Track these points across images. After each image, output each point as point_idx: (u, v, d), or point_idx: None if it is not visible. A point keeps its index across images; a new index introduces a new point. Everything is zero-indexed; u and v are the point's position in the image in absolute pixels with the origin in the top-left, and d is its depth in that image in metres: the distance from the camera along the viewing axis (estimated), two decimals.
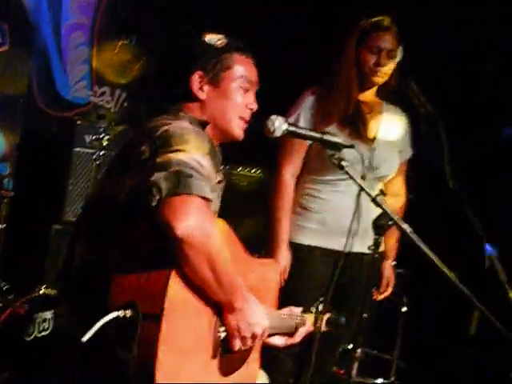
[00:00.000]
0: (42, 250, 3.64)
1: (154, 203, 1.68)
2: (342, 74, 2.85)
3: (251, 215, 3.88)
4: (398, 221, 2.08)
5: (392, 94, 2.91)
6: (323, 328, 2.25)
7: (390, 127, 2.95)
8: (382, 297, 3.08)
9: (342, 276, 2.88)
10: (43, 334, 2.84)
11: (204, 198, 1.71)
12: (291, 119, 2.84)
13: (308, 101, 2.88)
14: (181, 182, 1.70)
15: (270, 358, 2.30)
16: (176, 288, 1.70)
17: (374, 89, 2.93)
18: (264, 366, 2.12)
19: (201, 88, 1.96)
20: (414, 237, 2.08)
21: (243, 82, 2.00)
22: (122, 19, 4.37)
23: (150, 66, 4.31)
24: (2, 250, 3.38)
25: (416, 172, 3.01)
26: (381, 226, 2.11)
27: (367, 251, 2.82)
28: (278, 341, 2.17)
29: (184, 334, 1.72)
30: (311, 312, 2.23)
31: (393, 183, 3.00)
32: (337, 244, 2.83)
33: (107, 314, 1.68)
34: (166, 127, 1.82)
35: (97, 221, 1.85)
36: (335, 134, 2.12)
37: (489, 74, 3.74)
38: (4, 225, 3.36)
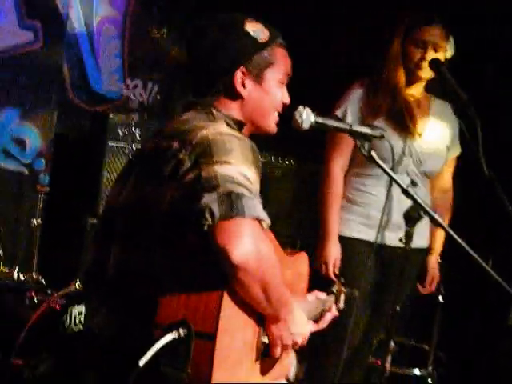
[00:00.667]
0: (78, 244, 3.68)
1: (205, 228, 1.63)
2: (388, 68, 2.84)
3: (286, 206, 3.87)
4: (431, 211, 2.06)
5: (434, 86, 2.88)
6: (341, 306, 2.24)
7: (438, 122, 2.92)
8: (426, 292, 3.06)
9: (383, 268, 2.90)
10: (79, 327, 2.87)
11: (257, 219, 1.67)
12: (338, 112, 2.88)
13: (356, 94, 2.88)
14: (234, 204, 1.63)
15: None
16: (229, 308, 1.69)
17: (423, 83, 2.91)
18: None
19: (243, 84, 1.87)
20: (449, 229, 2.06)
21: (284, 77, 1.94)
22: (154, 12, 4.39)
23: (183, 58, 4.30)
24: (39, 244, 3.44)
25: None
26: (412, 217, 2.10)
27: (415, 246, 2.83)
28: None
29: (234, 348, 1.73)
30: (333, 293, 2.20)
31: (441, 179, 2.99)
32: (382, 238, 2.86)
33: (154, 325, 1.66)
34: (203, 132, 1.74)
35: (134, 223, 1.80)
36: (383, 129, 2.11)
37: (489, 75, 3.67)
38: (40, 220, 3.42)
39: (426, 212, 2.06)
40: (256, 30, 1.90)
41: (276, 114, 1.95)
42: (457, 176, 3.03)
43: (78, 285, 3.05)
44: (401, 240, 2.11)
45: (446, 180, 3.04)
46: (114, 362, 1.75)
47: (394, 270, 2.78)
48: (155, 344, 1.63)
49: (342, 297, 2.24)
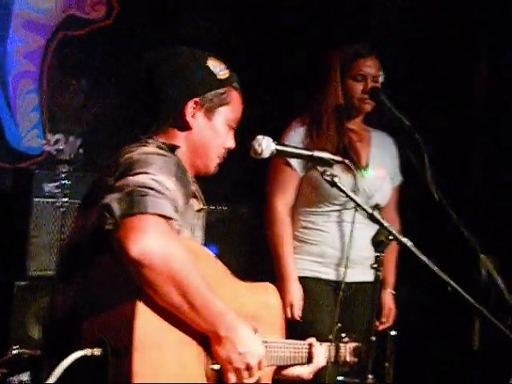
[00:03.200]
0: (6, 309, 3.44)
1: (108, 227, 1.57)
2: (329, 104, 2.82)
3: (225, 252, 3.77)
4: (398, 235, 2.01)
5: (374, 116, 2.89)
6: (348, 358, 2.18)
7: (380, 154, 2.92)
8: (383, 327, 3.01)
9: (348, 306, 2.83)
10: None
11: (164, 217, 1.59)
12: None
13: (298, 133, 2.83)
14: (134, 201, 1.58)
15: None
16: (146, 317, 1.56)
17: (361, 116, 2.91)
18: None
19: (193, 115, 1.86)
20: (416, 251, 2.02)
21: (233, 121, 1.93)
22: (71, 64, 4.26)
23: (106, 109, 4.19)
24: None
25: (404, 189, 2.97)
26: (380, 242, 2.02)
27: (370, 279, 2.83)
28: (301, 370, 2.05)
29: (165, 369, 1.58)
30: (331, 342, 2.12)
31: (387, 210, 2.96)
32: (337, 274, 2.83)
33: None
34: (129, 154, 1.75)
35: (68, 258, 1.75)
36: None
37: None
38: None
39: (394, 236, 2.01)
40: (217, 66, 1.89)
41: (219, 159, 1.93)
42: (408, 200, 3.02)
43: (15, 351, 2.82)
44: (371, 266, 2.03)
45: (392, 210, 3.04)
46: None
47: (352, 306, 2.78)
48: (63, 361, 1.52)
49: (349, 346, 2.17)
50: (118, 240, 1.55)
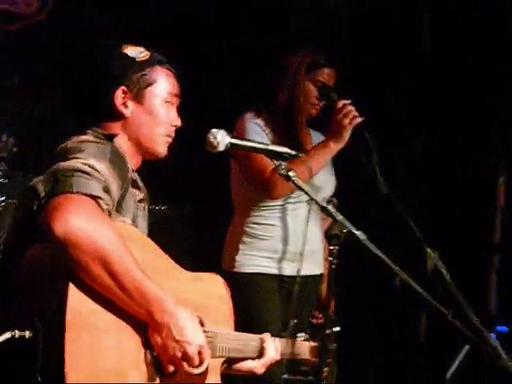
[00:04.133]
0: None
1: (34, 208, 1.56)
2: (293, 102, 2.82)
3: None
4: (352, 228, 2.02)
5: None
6: (308, 356, 2.20)
7: None
8: (322, 321, 3.01)
9: (297, 301, 2.82)
10: None
11: (90, 196, 1.57)
12: None
13: (258, 124, 2.81)
14: (59, 181, 1.57)
15: None
16: (78, 298, 1.53)
17: (305, 117, 2.92)
18: None
19: (124, 104, 1.85)
20: (369, 244, 2.03)
21: (169, 97, 1.90)
22: (3, 60, 4.12)
23: (42, 107, 4.07)
24: None
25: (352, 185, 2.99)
26: (335, 235, 2.02)
27: (316, 273, 2.84)
28: (253, 364, 2.03)
29: (100, 350, 1.53)
30: (295, 337, 2.10)
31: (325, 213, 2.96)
32: (288, 269, 2.82)
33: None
34: (65, 143, 1.76)
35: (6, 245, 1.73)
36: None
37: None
38: None
39: (348, 229, 2.01)
40: (134, 51, 1.88)
41: (166, 138, 1.90)
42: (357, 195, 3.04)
43: None
44: (327, 259, 2.03)
45: None
46: None
47: (302, 299, 2.74)
48: None
49: (302, 347, 2.17)
50: (43, 220, 1.53)
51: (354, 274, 3.05)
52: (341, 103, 2.70)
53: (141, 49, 1.90)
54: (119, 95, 1.85)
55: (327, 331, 2.00)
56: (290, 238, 2.81)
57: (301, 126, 2.88)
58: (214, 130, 1.91)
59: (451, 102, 3.74)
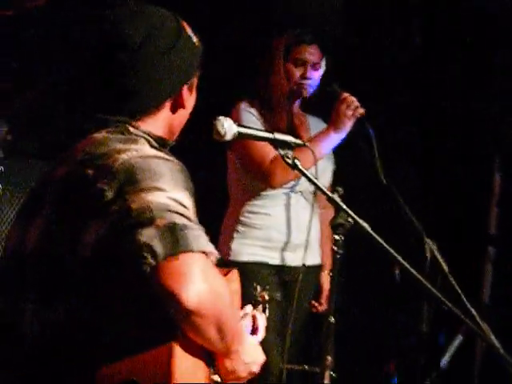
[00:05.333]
0: None
1: (146, 269, 1.36)
2: (275, 88, 2.81)
3: None
4: (357, 218, 2.03)
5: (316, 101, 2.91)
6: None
7: None
8: (321, 309, 3.03)
9: (284, 289, 2.84)
10: None
11: (205, 253, 1.42)
12: None
13: (252, 113, 2.81)
14: (178, 238, 1.38)
15: None
16: (181, 359, 1.47)
17: (299, 101, 2.94)
18: None
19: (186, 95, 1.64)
20: (373, 234, 2.05)
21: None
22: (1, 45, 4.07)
23: (39, 93, 4.03)
24: None
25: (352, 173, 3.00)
26: (340, 224, 2.04)
27: (311, 263, 2.85)
28: None
29: None
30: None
31: (322, 195, 2.96)
32: (281, 258, 2.84)
33: None
34: (124, 156, 1.46)
35: (50, 272, 1.48)
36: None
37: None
38: None
39: (353, 218, 2.03)
40: (191, 33, 1.65)
41: None
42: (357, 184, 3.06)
43: None
44: (332, 249, 2.04)
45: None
46: None
47: (295, 289, 2.74)
48: None
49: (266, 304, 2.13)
50: (166, 287, 1.36)
51: (356, 264, 3.06)
52: (344, 94, 2.71)
53: (190, 28, 1.65)
54: (185, 87, 1.62)
55: (331, 320, 2.02)
56: (284, 227, 2.82)
57: (281, 111, 2.83)
58: (221, 118, 1.90)
59: (446, 95, 3.76)
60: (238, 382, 1.68)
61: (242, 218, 2.85)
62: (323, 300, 3.06)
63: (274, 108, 2.81)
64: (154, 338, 1.43)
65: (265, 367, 2.65)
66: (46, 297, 1.48)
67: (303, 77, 2.81)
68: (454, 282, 2.63)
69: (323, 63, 2.90)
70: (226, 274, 1.93)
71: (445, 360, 3.51)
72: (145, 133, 1.57)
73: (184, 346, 1.48)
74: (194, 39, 1.65)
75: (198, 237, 1.42)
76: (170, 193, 1.43)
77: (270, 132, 2.01)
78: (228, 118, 1.91)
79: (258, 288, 2.07)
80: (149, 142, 1.56)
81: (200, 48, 1.66)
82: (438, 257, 2.65)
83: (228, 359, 1.62)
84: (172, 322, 1.42)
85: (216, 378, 1.66)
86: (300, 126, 2.92)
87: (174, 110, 1.62)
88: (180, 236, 1.38)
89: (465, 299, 2.52)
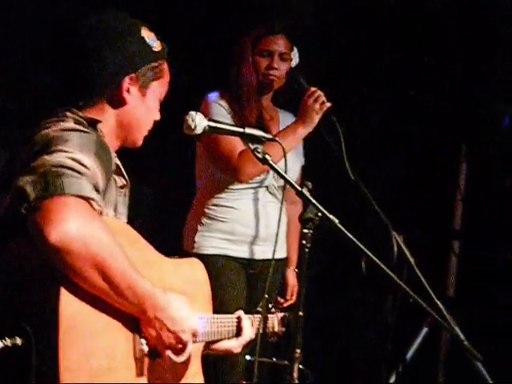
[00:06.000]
0: None
1: (23, 212, 1.49)
2: (243, 81, 2.82)
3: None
4: (326, 212, 2.05)
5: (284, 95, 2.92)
6: (279, 328, 2.23)
7: None
8: (287, 304, 3.05)
9: (257, 282, 2.85)
10: None
11: (82, 197, 1.52)
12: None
13: (222, 106, 2.80)
14: (49, 182, 1.50)
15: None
16: (70, 303, 1.51)
17: (270, 95, 2.93)
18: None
19: (128, 90, 1.78)
20: (342, 228, 2.06)
21: (163, 93, 1.87)
22: None
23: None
24: None
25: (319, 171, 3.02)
26: (309, 219, 2.06)
27: (277, 257, 2.86)
28: (230, 344, 2.05)
29: (93, 352, 1.54)
30: (259, 312, 2.14)
31: (291, 190, 2.97)
32: (245, 252, 2.84)
33: None
34: (45, 131, 1.65)
35: None
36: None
37: None
38: None
39: (322, 212, 2.05)
40: (150, 38, 1.81)
41: (146, 133, 1.88)
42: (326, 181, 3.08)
43: None
44: (301, 243, 2.06)
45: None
46: None
47: (261, 283, 2.80)
48: None
49: (277, 316, 2.19)
50: (34, 225, 1.47)
51: (323, 258, 3.09)
52: (312, 89, 2.72)
53: (154, 36, 1.83)
54: (127, 81, 1.77)
55: (300, 313, 2.05)
56: (249, 221, 2.82)
57: (251, 104, 2.83)
58: (192, 113, 1.92)
59: (412, 84, 3.81)
60: (171, 347, 1.69)
61: (207, 211, 2.85)
62: (288, 296, 3.08)
63: (244, 101, 2.81)
64: (43, 285, 1.51)
65: (232, 360, 2.72)
66: None
67: (270, 67, 2.81)
68: (419, 275, 2.67)
69: (294, 55, 2.89)
70: (179, 261, 1.94)
71: (411, 352, 3.58)
72: (78, 116, 1.73)
73: (77, 294, 1.53)
74: (154, 44, 1.80)
75: (77, 184, 1.52)
76: (71, 154, 1.56)
77: (240, 126, 2.02)
78: (199, 113, 1.93)
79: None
80: (75, 120, 1.71)
81: (159, 53, 1.81)
82: (405, 249, 2.69)
83: (150, 327, 1.65)
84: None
85: (143, 346, 1.68)
86: (270, 120, 2.92)
87: (115, 101, 1.78)
88: (53, 181, 1.50)
89: (430, 291, 2.56)
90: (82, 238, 1.48)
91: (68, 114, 1.73)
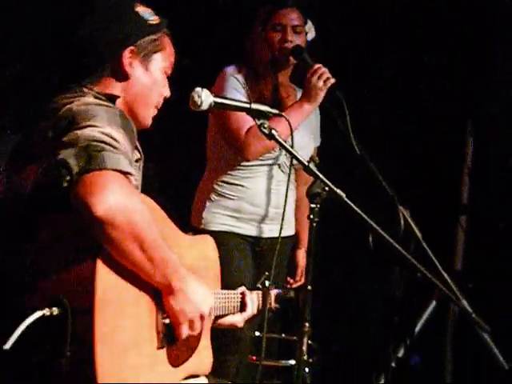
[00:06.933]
0: None
1: (64, 184, 1.53)
2: (257, 56, 2.80)
3: None
4: (333, 187, 2.06)
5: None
6: (273, 304, 2.23)
7: None
8: (296, 285, 3.07)
9: (264, 260, 2.86)
10: None
11: (121, 172, 1.56)
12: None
13: (237, 79, 2.78)
14: (91, 156, 1.53)
15: None
16: (106, 276, 1.55)
17: (288, 72, 2.89)
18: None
19: (130, 64, 1.80)
20: (350, 202, 2.07)
21: (168, 68, 1.88)
22: None
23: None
24: None
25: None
26: (316, 194, 2.07)
27: (284, 234, 2.86)
28: (234, 319, 2.08)
29: (123, 325, 1.58)
30: (259, 288, 2.16)
31: (303, 172, 2.98)
32: (252, 230, 2.84)
33: (24, 311, 1.51)
34: (68, 106, 1.67)
35: (5, 216, 1.67)
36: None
37: None
38: None
39: (329, 187, 2.06)
40: (145, 12, 1.84)
41: (154, 110, 1.89)
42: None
43: None
44: (308, 217, 2.07)
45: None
46: None
47: (269, 260, 2.71)
48: (20, 325, 1.48)
49: (273, 293, 2.21)
50: (80, 198, 1.50)
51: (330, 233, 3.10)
52: (315, 65, 2.71)
53: (150, 11, 1.86)
54: (127, 55, 1.79)
55: (308, 288, 2.06)
56: (258, 199, 2.82)
57: (266, 80, 2.81)
58: (198, 89, 1.92)
59: (419, 61, 3.80)
60: (190, 324, 1.72)
61: (216, 187, 2.84)
62: (298, 277, 3.08)
63: (258, 76, 2.79)
64: (79, 260, 1.55)
65: (238, 336, 2.74)
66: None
67: (283, 40, 2.78)
68: (426, 248, 2.69)
69: (309, 28, 2.86)
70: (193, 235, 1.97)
71: (419, 326, 3.59)
72: (95, 91, 1.76)
73: (112, 268, 1.57)
74: (151, 17, 1.83)
75: (115, 158, 1.56)
76: (101, 128, 1.60)
77: (246, 102, 2.01)
78: (205, 89, 1.93)
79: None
80: (95, 96, 1.75)
81: (157, 26, 1.84)
82: (412, 224, 2.70)
83: (173, 298, 1.68)
84: (96, 243, 1.54)
85: (165, 319, 1.71)
86: (287, 97, 2.88)
87: (118, 75, 1.80)
88: (95, 155, 1.54)
89: (438, 265, 2.58)
90: (125, 210, 1.53)
91: (85, 89, 1.76)
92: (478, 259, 3.74)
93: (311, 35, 2.86)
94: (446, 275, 2.56)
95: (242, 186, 2.83)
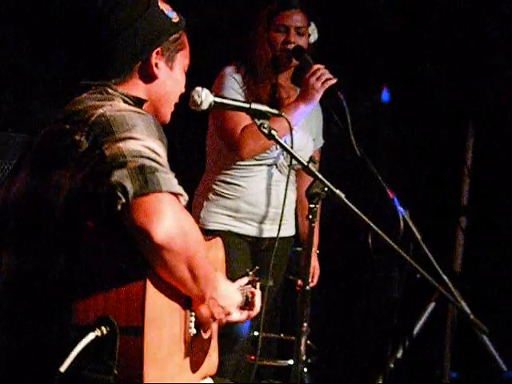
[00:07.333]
0: None
1: (118, 207, 1.48)
2: (257, 57, 2.79)
3: None
4: (332, 187, 2.06)
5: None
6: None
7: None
8: (310, 286, 3.04)
9: (263, 260, 2.86)
10: None
11: (174, 194, 1.54)
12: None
13: (235, 79, 2.78)
14: (148, 179, 1.49)
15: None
16: (153, 295, 1.55)
17: (290, 72, 2.89)
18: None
19: (156, 65, 1.76)
20: (349, 203, 2.07)
21: (187, 64, 1.86)
22: None
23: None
24: None
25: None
26: (315, 194, 2.08)
27: (283, 235, 2.86)
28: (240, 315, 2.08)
29: (163, 338, 1.60)
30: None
31: (304, 174, 2.96)
32: (251, 229, 2.84)
33: (70, 329, 1.52)
34: (99, 111, 1.60)
35: (29, 220, 1.61)
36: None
37: None
38: None
39: (328, 187, 2.06)
40: (168, 10, 1.80)
41: (173, 107, 1.86)
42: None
43: None
44: (307, 217, 2.07)
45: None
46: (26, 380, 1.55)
47: (267, 260, 2.72)
48: (76, 347, 1.47)
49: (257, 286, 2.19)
50: (138, 224, 1.47)
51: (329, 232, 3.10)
52: (315, 66, 2.70)
53: (169, 7, 1.81)
54: (155, 57, 1.74)
55: (307, 288, 2.06)
56: (256, 199, 2.82)
57: (265, 80, 2.80)
58: (198, 89, 1.92)
59: (421, 62, 3.80)
60: (218, 323, 1.76)
61: (214, 186, 2.84)
62: (309, 278, 3.07)
63: (258, 77, 2.79)
64: (127, 278, 1.53)
65: (238, 336, 2.73)
66: (23, 246, 1.60)
67: (286, 42, 2.77)
68: (426, 249, 2.68)
69: (312, 30, 2.85)
70: (207, 239, 1.97)
71: (418, 328, 3.60)
72: (120, 93, 1.71)
73: (157, 286, 1.56)
74: (172, 15, 1.78)
75: (168, 179, 1.53)
76: (144, 141, 1.55)
77: (246, 102, 2.01)
78: (205, 88, 1.93)
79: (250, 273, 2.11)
80: (124, 100, 1.70)
81: (179, 24, 1.79)
82: (411, 225, 2.70)
83: (204, 306, 1.70)
84: (144, 261, 1.53)
85: (192, 326, 1.73)
86: (286, 98, 2.87)
87: (145, 77, 1.75)
88: (150, 177, 1.50)
89: (437, 266, 2.58)
90: (181, 235, 1.52)
91: (109, 90, 1.70)
92: (478, 261, 3.74)
93: (314, 37, 2.85)
94: (445, 277, 2.56)
95: (240, 185, 2.83)
